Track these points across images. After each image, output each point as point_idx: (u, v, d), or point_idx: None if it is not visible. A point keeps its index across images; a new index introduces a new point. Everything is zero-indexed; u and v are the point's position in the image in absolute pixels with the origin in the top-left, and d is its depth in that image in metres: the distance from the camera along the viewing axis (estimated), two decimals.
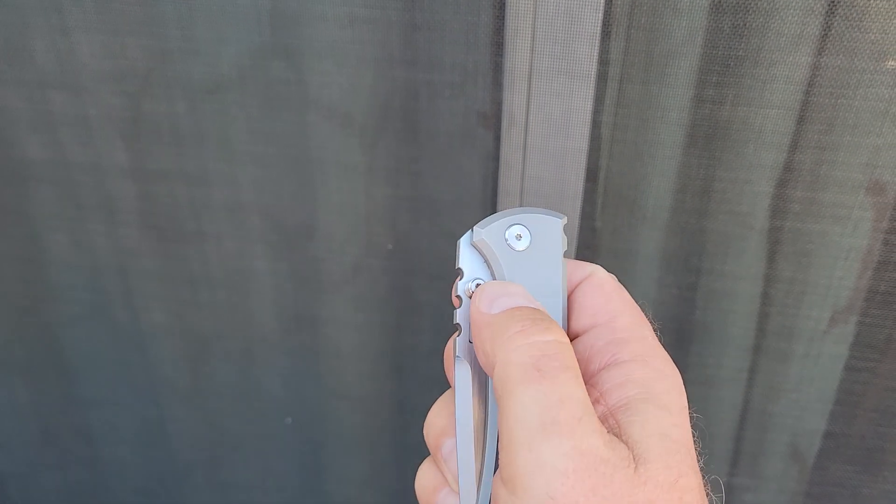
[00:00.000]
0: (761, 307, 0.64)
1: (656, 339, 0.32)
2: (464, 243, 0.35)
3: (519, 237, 0.35)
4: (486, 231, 0.34)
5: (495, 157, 0.60)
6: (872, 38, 0.50)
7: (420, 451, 0.79)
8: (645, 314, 0.33)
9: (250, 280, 0.72)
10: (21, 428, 0.88)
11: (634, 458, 0.27)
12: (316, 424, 0.81)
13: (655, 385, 0.29)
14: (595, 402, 0.29)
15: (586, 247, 0.63)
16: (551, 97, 0.55)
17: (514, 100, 0.56)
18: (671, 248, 0.62)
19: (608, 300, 0.33)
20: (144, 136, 0.65)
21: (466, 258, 0.35)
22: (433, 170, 0.62)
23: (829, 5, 0.49)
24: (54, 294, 0.77)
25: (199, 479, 0.89)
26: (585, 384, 0.29)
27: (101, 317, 0.77)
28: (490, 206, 0.62)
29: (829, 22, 0.50)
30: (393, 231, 0.66)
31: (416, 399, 0.77)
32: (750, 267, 0.62)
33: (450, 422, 0.33)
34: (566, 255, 0.35)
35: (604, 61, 0.54)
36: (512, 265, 0.34)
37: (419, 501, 0.35)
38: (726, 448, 0.73)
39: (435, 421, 0.34)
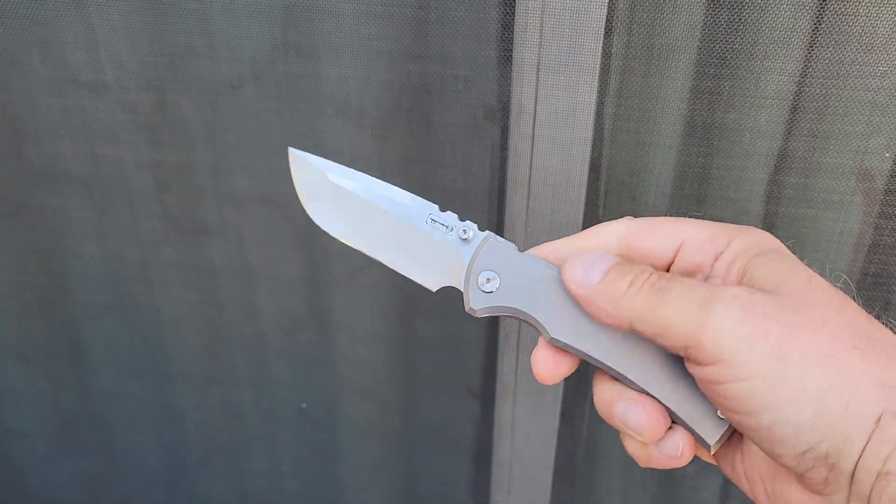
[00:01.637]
0: None
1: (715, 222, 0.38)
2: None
3: (488, 280, 0.40)
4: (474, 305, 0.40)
5: (504, 147, 0.63)
6: (860, 30, 0.53)
7: (432, 439, 0.81)
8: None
9: (266, 270, 0.75)
10: (41, 418, 0.90)
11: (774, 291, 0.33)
12: (330, 410, 0.83)
13: (761, 242, 0.36)
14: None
15: None
16: (558, 89, 0.58)
17: (522, 92, 0.59)
18: None
19: (666, 231, 0.39)
20: (163, 130, 0.68)
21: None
22: (444, 160, 0.65)
23: (819, 1, 0.53)
24: (74, 286, 0.79)
25: (216, 467, 0.91)
26: (719, 273, 0.36)
27: (119, 308, 0.80)
28: (498, 195, 0.65)
29: (820, 16, 0.53)
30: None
31: (428, 385, 0.80)
32: None
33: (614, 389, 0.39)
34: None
35: (607, 55, 0.57)
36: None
37: (600, 412, 0.39)
38: None
39: (602, 396, 0.39)
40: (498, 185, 0.65)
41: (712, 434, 0.37)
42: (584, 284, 0.36)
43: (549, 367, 0.40)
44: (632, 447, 0.39)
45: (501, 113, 0.61)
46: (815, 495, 0.33)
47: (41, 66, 0.65)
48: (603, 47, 0.56)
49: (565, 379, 0.74)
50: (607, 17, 0.55)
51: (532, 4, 0.55)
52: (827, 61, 0.55)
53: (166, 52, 0.63)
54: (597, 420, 0.78)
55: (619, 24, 0.56)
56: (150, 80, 0.65)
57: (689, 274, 0.38)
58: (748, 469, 0.37)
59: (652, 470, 0.80)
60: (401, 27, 0.59)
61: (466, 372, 0.77)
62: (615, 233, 0.40)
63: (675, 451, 0.37)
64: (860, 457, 0.30)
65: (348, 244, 0.43)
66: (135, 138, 0.68)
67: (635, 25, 0.56)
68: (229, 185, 0.70)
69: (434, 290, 0.42)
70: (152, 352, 0.83)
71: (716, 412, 0.37)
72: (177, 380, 0.85)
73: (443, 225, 0.42)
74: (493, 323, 0.73)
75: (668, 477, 0.80)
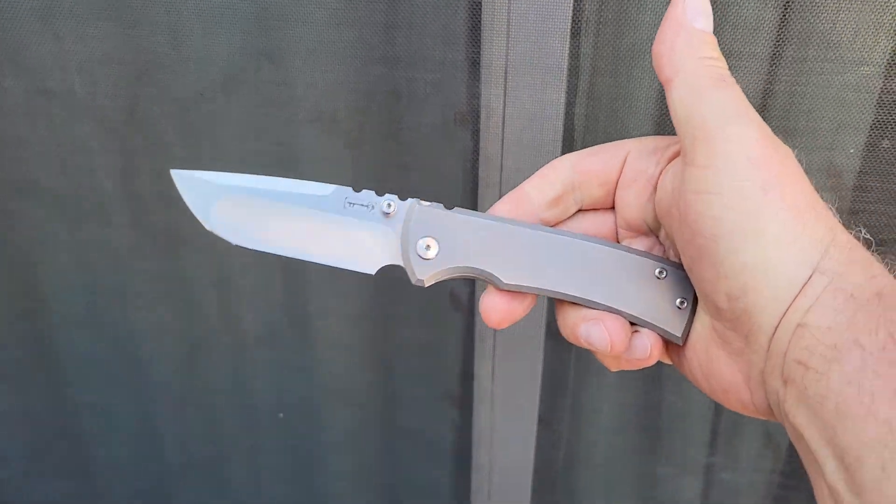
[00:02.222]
0: None
1: None
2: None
3: (428, 247, 0.40)
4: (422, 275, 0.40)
5: (475, 150, 0.63)
6: (824, 27, 0.53)
7: (411, 445, 0.81)
8: None
9: (241, 278, 0.74)
10: (16, 434, 0.89)
11: None
12: (308, 418, 0.83)
13: None
14: None
15: None
16: (526, 91, 0.58)
17: (491, 94, 0.59)
18: None
19: (606, 152, 0.42)
20: (135, 138, 0.67)
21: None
22: (416, 164, 0.65)
23: None
24: (47, 298, 0.79)
25: (195, 479, 0.90)
26: None
27: (93, 320, 0.79)
28: (471, 196, 0.65)
29: (786, 11, 0.54)
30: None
31: (405, 391, 0.79)
32: None
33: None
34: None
35: (575, 55, 0.57)
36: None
37: (566, 336, 0.41)
38: (703, 430, 0.76)
39: (564, 322, 0.41)
40: (471, 188, 0.65)
41: (677, 327, 0.39)
42: (692, 14, 0.37)
43: (502, 313, 0.40)
44: (602, 356, 0.41)
45: (471, 115, 0.62)
46: (735, 357, 0.36)
47: (8, 76, 0.65)
48: (570, 48, 0.57)
49: (542, 384, 0.74)
50: (573, 17, 0.55)
51: (498, 6, 0.55)
52: (792, 58, 0.55)
53: (136, 60, 0.63)
54: (576, 424, 0.78)
55: (586, 25, 0.56)
56: (119, 89, 0.65)
57: (631, 181, 0.40)
58: (690, 359, 0.39)
59: (632, 473, 0.80)
60: (369, 32, 0.59)
61: (444, 377, 0.77)
62: (567, 163, 0.41)
63: (643, 352, 0.40)
64: (784, 313, 0.33)
65: (268, 252, 0.40)
66: (106, 147, 0.68)
67: (603, 25, 0.56)
68: None
69: (373, 272, 0.40)
70: (127, 364, 0.82)
71: (674, 303, 0.39)
72: (153, 392, 0.84)
73: (362, 206, 0.40)
74: (468, 327, 0.73)
75: (649, 479, 0.80)
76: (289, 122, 0.64)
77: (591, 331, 0.39)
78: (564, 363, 0.74)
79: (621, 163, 0.41)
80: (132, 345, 0.81)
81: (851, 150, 0.58)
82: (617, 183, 0.41)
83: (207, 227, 0.40)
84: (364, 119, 0.63)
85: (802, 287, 0.33)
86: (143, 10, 0.60)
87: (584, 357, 0.73)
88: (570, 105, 0.60)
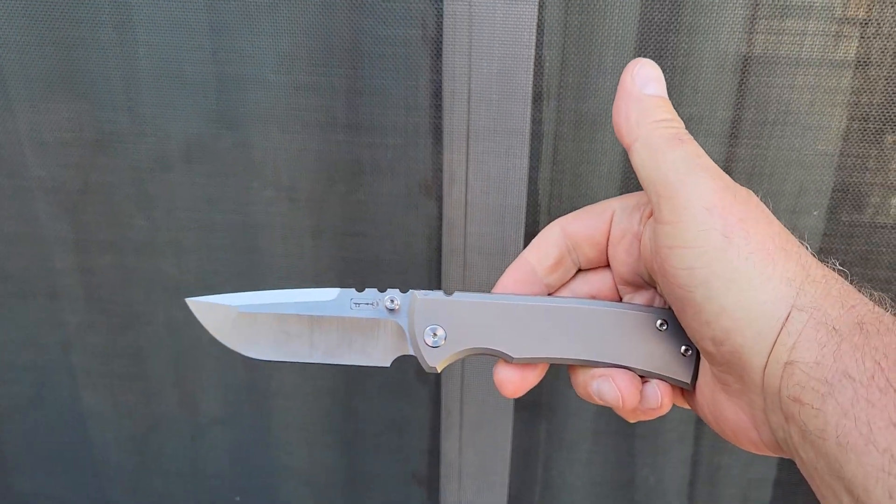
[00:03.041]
0: None
1: None
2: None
3: (435, 335, 0.41)
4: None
5: (438, 216, 0.62)
6: (789, 52, 0.54)
7: None
8: None
9: (197, 353, 0.71)
10: None
11: None
12: (266, 501, 0.79)
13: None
14: None
15: None
16: (489, 156, 0.58)
17: (453, 159, 0.59)
18: None
19: (591, 215, 0.43)
20: (87, 208, 0.65)
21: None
22: (377, 231, 0.63)
23: (743, 63, 0.54)
24: None
25: None
26: None
27: (40, 398, 0.76)
28: (436, 264, 0.64)
29: (746, 77, 0.54)
30: None
31: (368, 470, 0.76)
32: None
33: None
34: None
35: (537, 121, 0.57)
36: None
37: (581, 396, 0.43)
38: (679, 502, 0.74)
39: (577, 382, 0.43)
40: (435, 255, 0.64)
41: (685, 374, 0.41)
42: (639, 82, 0.39)
43: (516, 384, 0.42)
44: (618, 410, 0.42)
45: (434, 182, 0.61)
46: (736, 399, 0.37)
47: None
48: (532, 113, 0.57)
49: (512, 461, 0.72)
50: (534, 83, 0.55)
51: (459, 72, 0.55)
52: (752, 122, 0.56)
53: (91, 129, 0.62)
54: (548, 502, 0.75)
55: (547, 90, 0.56)
56: (70, 157, 0.63)
57: (619, 239, 0.42)
58: (700, 403, 0.41)
59: None
60: (329, 97, 0.58)
61: (409, 454, 0.74)
62: (557, 230, 0.43)
63: (655, 401, 0.41)
64: (771, 350, 0.34)
65: (291, 361, 0.43)
66: (54, 217, 0.66)
67: (564, 90, 0.56)
68: (157, 265, 0.67)
69: (388, 365, 0.42)
70: (75, 446, 0.78)
71: (679, 352, 0.40)
72: (103, 477, 0.80)
73: (367, 304, 0.42)
74: (434, 401, 0.71)
75: None
76: (247, 191, 0.63)
77: (602, 387, 0.41)
78: (535, 437, 0.72)
79: (608, 223, 0.42)
80: (81, 427, 0.77)
81: (815, 213, 0.58)
82: (607, 242, 0.42)
83: (230, 347, 0.43)
84: (325, 186, 0.62)
85: (783, 324, 0.34)
86: (97, 78, 0.60)
87: (555, 430, 0.71)
88: (533, 170, 0.59)
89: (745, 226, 0.35)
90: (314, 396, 0.72)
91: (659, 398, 0.41)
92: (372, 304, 0.42)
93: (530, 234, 0.61)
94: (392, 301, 0.42)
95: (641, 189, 0.39)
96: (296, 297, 0.43)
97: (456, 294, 0.42)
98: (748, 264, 0.34)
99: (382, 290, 0.42)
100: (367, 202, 0.63)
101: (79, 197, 0.65)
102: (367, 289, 0.43)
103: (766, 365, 0.34)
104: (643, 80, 0.39)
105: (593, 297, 0.43)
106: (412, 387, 0.70)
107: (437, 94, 0.57)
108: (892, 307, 0.34)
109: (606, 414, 0.70)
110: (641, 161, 0.38)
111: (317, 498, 0.78)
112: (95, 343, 0.72)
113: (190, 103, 0.60)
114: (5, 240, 0.67)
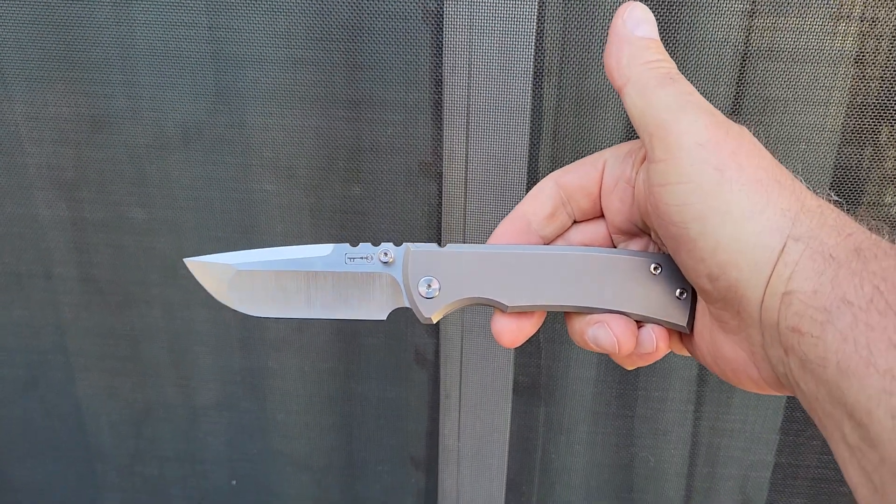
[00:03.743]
0: None
1: None
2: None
3: (429, 286, 0.41)
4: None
5: (438, 194, 0.61)
6: (786, 72, 0.54)
7: None
8: None
9: (194, 335, 0.71)
10: None
11: None
12: (263, 485, 0.78)
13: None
14: None
15: None
16: (489, 132, 0.58)
17: (454, 136, 0.58)
18: None
19: (584, 165, 0.43)
20: (84, 188, 0.65)
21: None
22: (377, 209, 0.63)
23: (744, 46, 0.53)
24: None
25: None
26: None
27: (32, 381, 0.75)
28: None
29: (746, 57, 0.54)
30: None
31: (366, 454, 0.76)
32: None
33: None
34: None
35: (538, 97, 0.57)
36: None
37: (577, 343, 0.43)
38: (678, 485, 0.73)
39: (573, 329, 0.43)
40: (435, 234, 0.63)
41: (681, 316, 0.41)
42: (630, 24, 0.39)
43: (513, 333, 0.42)
44: (614, 357, 0.43)
45: (434, 159, 0.60)
46: (734, 336, 0.37)
47: None
48: (533, 88, 0.56)
49: (510, 445, 0.71)
50: (535, 56, 0.55)
51: (460, 47, 0.55)
52: (756, 101, 0.55)
53: (87, 105, 0.61)
54: (546, 485, 0.75)
55: (549, 66, 0.56)
56: (66, 133, 0.62)
57: (612, 187, 0.41)
58: (699, 345, 0.41)
59: None
60: (328, 73, 0.58)
61: (407, 437, 0.74)
62: (550, 183, 0.43)
63: (650, 345, 0.41)
64: (767, 283, 0.34)
65: (287, 317, 0.43)
66: (49, 196, 0.65)
67: (566, 64, 0.56)
68: (153, 245, 0.67)
69: (385, 317, 0.43)
70: (68, 430, 0.77)
71: (674, 295, 0.41)
72: (97, 460, 0.79)
73: (362, 258, 0.43)
74: (433, 384, 0.70)
75: None
76: (245, 169, 0.62)
77: (597, 334, 0.41)
78: (533, 420, 0.71)
79: (600, 172, 0.42)
80: (76, 411, 0.76)
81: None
82: (600, 191, 0.43)
83: (230, 306, 0.43)
84: (323, 164, 0.62)
85: (779, 255, 0.34)
86: (94, 53, 0.59)
87: (553, 413, 0.71)
88: (533, 147, 0.59)
89: (738, 159, 0.35)
90: (312, 380, 0.72)
91: (654, 342, 0.41)
92: (366, 257, 0.43)
93: None
94: (386, 254, 0.42)
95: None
96: (291, 253, 0.43)
97: (449, 246, 0.42)
98: (741, 196, 0.34)
99: (376, 244, 0.43)
100: (367, 180, 0.62)
101: (75, 176, 0.64)
102: (361, 243, 0.43)
103: (763, 297, 0.34)
104: (634, 21, 0.39)
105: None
106: (411, 370, 0.70)
107: (438, 70, 0.57)
108: (890, 234, 0.34)
109: (605, 396, 0.69)
110: (633, 102, 0.38)
111: (314, 482, 0.77)
112: (91, 325, 0.71)
113: (187, 81, 0.59)
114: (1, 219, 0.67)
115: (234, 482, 0.78)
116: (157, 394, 0.74)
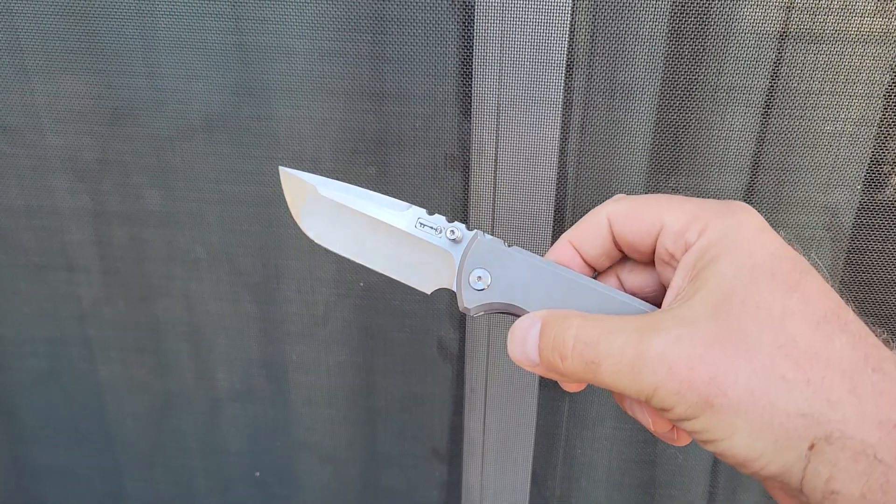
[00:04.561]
0: None
1: (701, 201, 0.36)
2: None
3: (479, 279, 0.40)
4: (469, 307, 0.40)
5: (465, 189, 0.60)
6: (825, 60, 0.52)
7: (392, 498, 0.76)
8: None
9: (217, 328, 0.70)
10: None
11: (711, 309, 0.32)
12: (286, 477, 0.78)
13: (721, 239, 0.34)
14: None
15: None
16: (519, 126, 0.56)
17: (483, 130, 0.57)
18: None
19: (645, 216, 0.37)
20: (108, 181, 0.64)
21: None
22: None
23: (782, 30, 0.52)
24: (5, 349, 0.74)
25: None
26: (682, 273, 0.34)
27: (55, 373, 0.75)
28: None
29: (783, 45, 0.52)
30: (364, 268, 0.65)
31: (390, 447, 0.75)
32: None
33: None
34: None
35: (569, 90, 0.56)
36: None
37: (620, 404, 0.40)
38: (703, 483, 0.73)
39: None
40: None
41: None
42: (530, 366, 0.37)
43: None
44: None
45: (461, 153, 0.59)
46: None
47: None
48: (564, 81, 0.55)
49: (535, 439, 0.71)
50: (568, 49, 0.54)
51: (491, 38, 0.54)
52: (792, 92, 0.54)
53: (110, 98, 0.60)
54: (571, 480, 0.74)
55: (579, 57, 0.55)
56: (89, 125, 0.62)
57: (666, 262, 0.37)
58: None
59: None
60: (354, 65, 0.57)
61: (431, 431, 0.73)
62: (605, 222, 0.39)
63: (672, 437, 0.38)
64: (802, 479, 0.31)
65: (342, 255, 0.43)
66: (73, 187, 0.65)
67: (596, 57, 0.55)
68: (175, 238, 0.66)
69: (429, 293, 0.42)
70: (92, 421, 0.77)
71: None
72: (120, 452, 0.79)
73: (432, 228, 0.42)
74: (458, 378, 0.69)
75: None
76: (270, 162, 0.62)
77: (633, 406, 0.38)
78: (558, 415, 0.71)
79: (654, 238, 0.38)
80: (98, 401, 0.76)
81: (857, 187, 0.57)
82: (653, 253, 0.39)
83: (299, 224, 0.44)
84: (348, 157, 0.61)
85: (809, 457, 0.30)
86: (118, 43, 0.58)
87: (578, 409, 0.70)
88: (563, 141, 0.58)
89: (728, 373, 0.31)
90: (335, 373, 0.71)
91: (675, 435, 0.38)
92: (436, 229, 0.42)
93: (560, 209, 0.60)
94: (453, 232, 0.41)
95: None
96: (372, 198, 0.43)
97: (514, 248, 0.41)
98: (744, 414, 0.31)
99: (450, 221, 0.42)
100: (392, 173, 0.61)
101: (97, 168, 0.64)
102: (436, 214, 0.42)
103: (800, 488, 0.31)
104: (529, 361, 0.37)
105: (640, 289, 0.41)
106: (436, 364, 0.69)
107: (467, 62, 0.56)
108: None
109: None
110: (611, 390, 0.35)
111: (337, 475, 0.77)
112: (113, 317, 0.71)
113: (211, 72, 0.58)
114: (22, 212, 0.66)
115: (257, 474, 0.78)
116: (179, 385, 0.74)
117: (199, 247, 0.66)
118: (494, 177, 0.59)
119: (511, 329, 0.37)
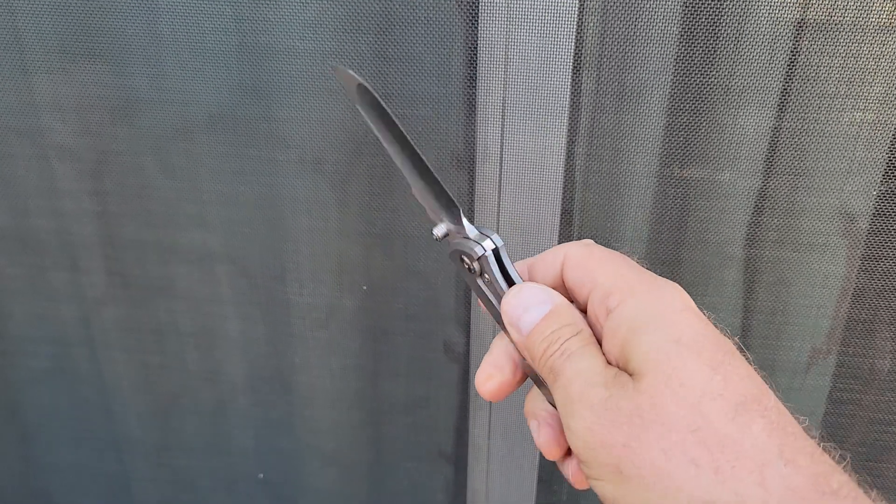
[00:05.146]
0: (742, 339, 0.63)
1: (637, 269, 0.36)
2: None
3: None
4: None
5: (470, 192, 0.59)
6: (840, 62, 0.51)
7: (395, 502, 0.76)
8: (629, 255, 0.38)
9: (220, 329, 0.70)
10: None
11: (634, 381, 0.32)
12: (290, 478, 0.78)
13: (644, 311, 0.33)
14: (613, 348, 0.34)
15: None
16: (525, 129, 0.55)
17: (487, 133, 0.56)
18: None
19: (585, 269, 0.37)
20: (108, 181, 0.63)
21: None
22: (407, 206, 0.61)
23: (796, 31, 0.50)
24: (8, 348, 0.74)
25: None
26: (607, 339, 0.34)
27: (59, 372, 0.74)
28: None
29: (797, 47, 0.51)
30: (367, 271, 0.65)
31: (394, 449, 0.75)
32: (729, 297, 0.61)
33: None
34: None
35: (576, 92, 0.54)
36: None
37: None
38: None
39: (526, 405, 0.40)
40: None
41: None
42: (516, 329, 0.37)
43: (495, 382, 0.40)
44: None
45: (466, 155, 0.58)
46: None
47: None
48: (572, 84, 0.54)
49: None
50: (575, 51, 0.52)
51: (496, 40, 0.52)
52: (806, 94, 0.52)
53: (109, 96, 0.60)
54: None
55: (587, 60, 0.53)
56: (89, 126, 0.61)
57: (592, 322, 0.37)
58: None
59: None
60: (357, 65, 0.56)
61: (436, 433, 0.72)
62: (560, 261, 0.39)
63: (568, 474, 0.38)
64: None
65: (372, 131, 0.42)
66: (73, 188, 0.64)
67: (605, 60, 0.53)
68: (179, 238, 0.65)
69: (437, 235, 0.41)
70: (96, 419, 0.77)
71: None
72: (124, 452, 0.79)
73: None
74: (463, 381, 0.69)
75: None
76: (271, 162, 0.61)
77: (531, 424, 0.39)
78: None
79: (588, 293, 0.37)
80: (101, 400, 0.75)
81: (872, 192, 0.55)
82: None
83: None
84: (351, 158, 0.60)
85: None
86: (118, 42, 0.57)
87: None
88: (571, 144, 0.56)
89: (637, 452, 0.31)
90: (340, 375, 0.71)
91: (570, 476, 0.38)
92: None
93: (567, 212, 0.59)
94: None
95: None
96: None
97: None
98: (646, 494, 0.30)
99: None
100: (395, 176, 0.60)
101: (98, 169, 0.63)
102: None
103: None
104: (516, 324, 0.37)
105: None
106: (440, 368, 0.68)
107: (472, 63, 0.54)
108: None
109: None
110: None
111: (341, 477, 0.77)
112: (117, 316, 0.70)
113: (213, 72, 0.57)
114: (24, 212, 0.65)
115: (260, 475, 0.77)
116: (183, 385, 0.74)
117: (200, 247, 0.65)
118: (499, 179, 0.57)
119: (520, 287, 0.37)
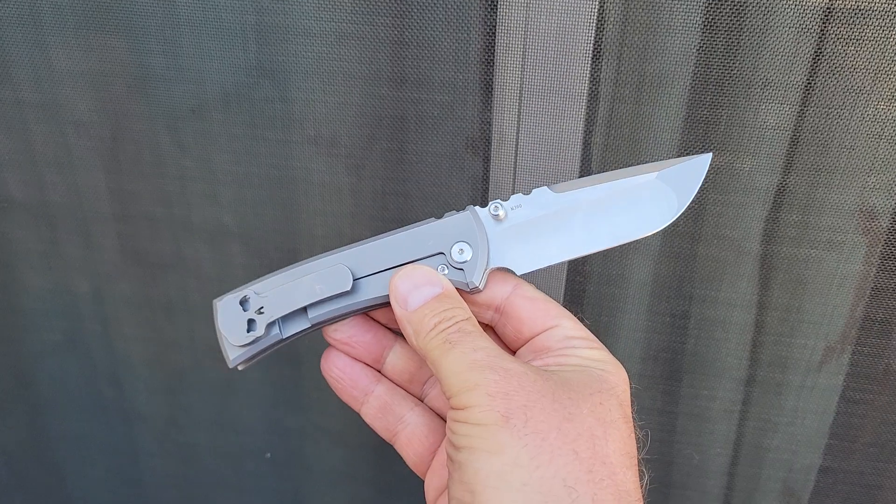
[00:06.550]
0: (755, 336, 0.62)
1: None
2: None
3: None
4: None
5: (485, 178, 0.59)
6: (866, 56, 0.49)
7: (408, 489, 0.76)
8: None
9: None
10: None
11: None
12: (297, 457, 0.78)
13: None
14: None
15: (577, 273, 0.62)
16: (542, 117, 0.54)
17: (504, 119, 0.55)
18: (663, 274, 0.61)
19: (544, 314, 0.41)
20: (123, 158, 0.63)
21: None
22: (421, 191, 0.60)
23: (822, 23, 0.49)
24: (22, 322, 0.74)
25: None
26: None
27: (71, 345, 0.75)
28: None
29: (823, 40, 0.50)
30: None
31: None
32: (744, 293, 0.60)
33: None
34: None
35: (595, 80, 0.53)
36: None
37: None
38: (720, 484, 0.71)
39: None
40: None
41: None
42: (402, 303, 0.39)
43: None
44: None
45: (482, 141, 0.57)
46: None
47: None
48: (591, 72, 0.53)
49: None
50: (595, 39, 0.51)
51: (514, 26, 0.51)
52: (830, 89, 0.51)
53: (125, 73, 0.59)
54: None
55: (607, 48, 0.52)
56: (104, 102, 0.61)
57: (536, 350, 0.41)
58: None
59: None
60: (375, 49, 0.55)
61: None
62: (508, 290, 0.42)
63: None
64: None
65: None
66: (88, 164, 0.64)
67: (626, 48, 0.52)
68: (190, 216, 0.65)
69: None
70: (106, 392, 0.77)
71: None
72: (133, 422, 0.79)
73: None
74: None
75: None
76: (285, 144, 0.60)
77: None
78: None
79: (544, 329, 0.43)
80: (110, 375, 0.76)
81: (894, 189, 0.54)
82: (525, 339, 0.44)
83: None
84: (366, 142, 0.59)
85: None
86: (134, 19, 0.57)
87: None
88: (588, 133, 0.55)
89: (513, 471, 0.33)
90: None
91: None
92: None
93: None
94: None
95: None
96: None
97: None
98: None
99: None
100: (411, 161, 0.59)
101: (112, 147, 0.63)
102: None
103: None
104: (403, 298, 0.39)
105: None
106: None
107: (490, 49, 0.53)
108: None
109: (651, 391, 0.67)
110: (436, 376, 0.37)
111: (348, 459, 0.77)
112: (128, 292, 0.71)
113: (228, 53, 0.57)
114: (38, 186, 0.66)
115: (268, 455, 0.78)
116: (191, 362, 0.74)
117: (213, 226, 0.65)
118: (515, 165, 0.57)
119: (412, 267, 0.40)
